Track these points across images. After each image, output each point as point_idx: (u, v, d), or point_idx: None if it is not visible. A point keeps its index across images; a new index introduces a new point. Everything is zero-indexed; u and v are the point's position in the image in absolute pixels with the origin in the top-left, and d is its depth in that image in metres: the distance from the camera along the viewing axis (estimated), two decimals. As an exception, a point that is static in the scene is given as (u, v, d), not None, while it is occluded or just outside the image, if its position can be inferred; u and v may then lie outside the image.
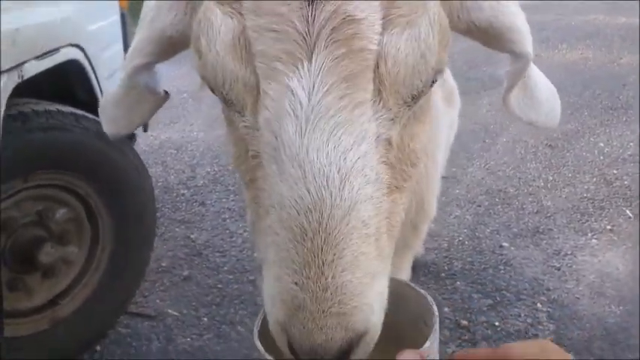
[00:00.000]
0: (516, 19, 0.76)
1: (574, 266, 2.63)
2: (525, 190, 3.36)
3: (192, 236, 2.94)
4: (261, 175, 0.62)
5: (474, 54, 5.34)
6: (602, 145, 3.95)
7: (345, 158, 0.56)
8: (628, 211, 3.09)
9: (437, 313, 0.64)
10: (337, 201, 0.55)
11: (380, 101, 0.59)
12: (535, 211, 3.13)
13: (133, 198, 2.11)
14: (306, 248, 0.55)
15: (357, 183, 0.56)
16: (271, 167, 0.59)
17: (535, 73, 0.91)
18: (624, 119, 4.41)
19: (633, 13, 8.30)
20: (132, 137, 2.61)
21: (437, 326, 0.62)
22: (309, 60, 0.56)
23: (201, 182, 3.54)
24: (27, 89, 1.74)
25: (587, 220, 3.02)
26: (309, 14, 0.56)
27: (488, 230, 2.95)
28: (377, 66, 0.58)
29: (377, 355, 0.61)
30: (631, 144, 3.94)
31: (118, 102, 0.90)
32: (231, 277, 2.60)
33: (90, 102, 1.99)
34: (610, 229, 2.93)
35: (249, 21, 0.58)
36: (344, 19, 0.56)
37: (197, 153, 3.97)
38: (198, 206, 3.26)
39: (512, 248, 2.79)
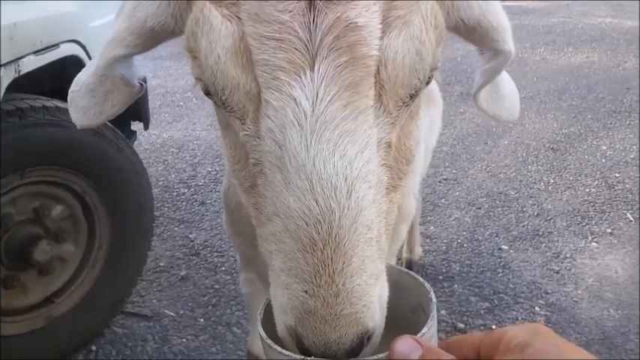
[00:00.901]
0: (502, 19, 0.77)
1: (573, 270, 2.61)
2: (526, 193, 3.35)
3: (191, 236, 2.94)
4: (263, 182, 0.62)
5: (478, 57, 5.31)
6: (604, 148, 3.93)
7: (351, 167, 0.56)
8: (629, 215, 3.07)
9: (435, 300, 0.65)
10: (345, 210, 0.56)
11: (380, 106, 0.59)
12: (535, 213, 3.12)
13: (131, 196, 2.10)
14: (316, 258, 0.56)
15: (362, 190, 0.57)
16: (275, 176, 0.58)
17: None
18: (627, 123, 4.38)
19: (639, 17, 8.28)
20: (132, 135, 2.62)
21: (435, 313, 0.63)
22: (312, 68, 0.56)
23: (202, 181, 3.54)
24: (26, 85, 1.75)
25: (588, 224, 3.00)
26: (311, 21, 0.56)
27: (488, 233, 2.94)
28: (377, 71, 0.58)
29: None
30: (634, 147, 3.92)
31: (89, 92, 0.87)
32: (228, 277, 2.59)
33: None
34: (610, 233, 2.91)
35: (248, 27, 0.57)
36: (346, 26, 0.56)
37: (199, 152, 3.98)
38: (198, 206, 3.26)
39: (512, 251, 2.78)
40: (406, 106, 0.62)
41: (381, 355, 0.56)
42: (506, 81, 0.99)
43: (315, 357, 0.58)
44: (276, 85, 0.57)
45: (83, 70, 0.93)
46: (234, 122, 0.62)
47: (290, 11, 0.56)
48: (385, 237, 0.64)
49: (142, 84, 0.86)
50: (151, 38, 0.76)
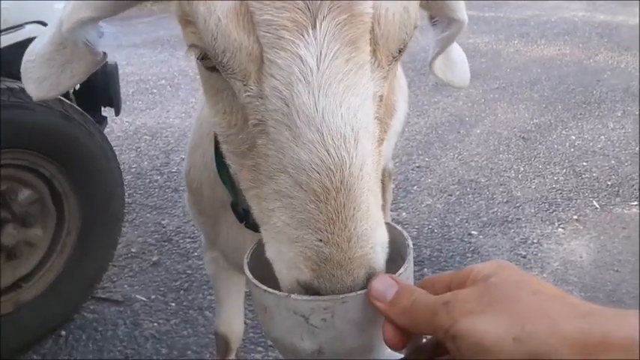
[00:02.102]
0: None
1: (539, 254, 2.68)
2: (496, 181, 3.41)
3: (163, 222, 2.93)
4: (264, 142, 0.63)
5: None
6: (573, 138, 4.02)
7: (355, 118, 0.59)
8: (595, 202, 3.16)
9: (412, 246, 0.69)
10: (354, 159, 0.59)
11: (375, 61, 0.62)
12: (505, 200, 3.18)
13: (101, 181, 2.09)
14: (330, 206, 0.59)
15: (365, 139, 0.60)
16: (283, 134, 0.60)
17: None
18: (597, 114, 4.48)
19: (611, 11, 8.43)
20: (103, 121, 2.59)
21: (411, 257, 0.66)
22: (314, 27, 0.58)
23: (175, 169, 3.52)
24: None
25: (555, 210, 3.08)
26: None
27: (458, 219, 2.99)
28: (372, 28, 0.61)
29: None
30: (602, 137, 4.01)
31: (45, 62, 0.84)
32: (200, 262, 2.59)
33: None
34: (576, 219, 2.99)
35: None
36: None
37: (172, 139, 3.95)
38: (171, 192, 3.24)
39: (481, 237, 2.83)
40: (395, 60, 0.66)
41: (360, 292, 0.59)
42: (456, 50, 1.08)
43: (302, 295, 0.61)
44: (280, 44, 0.58)
45: (37, 39, 0.89)
46: (235, 84, 0.63)
47: None
48: (377, 188, 0.67)
49: (104, 52, 0.84)
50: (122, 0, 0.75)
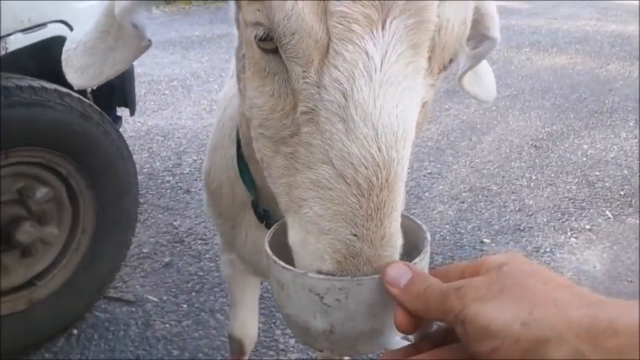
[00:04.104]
0: (493, 9, 0.83)
1: (552, 264, 2.66)
2: (508, 189, 3.40)
3: (175, 223, 2.93)
4: (310, 130, 0.64)
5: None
6: (585, 147, 4.00)
7: (407, 120, 0.61)
8: (608, 212, 3.14)
9: (429, 239, 0.70)
10: (401, 160, 0.61)
11: (429, 68, 0.64)
12: (517, 209, 3.17)
13: (116, 180, 2.09)
14: (372, 202, 0.60)
15: (409, 142, 0.62)
16: (335, 125, 0.61)
17: None
18: (608, 123, 4.46)
19: (623, 21, 8.41)
20: (118, 120, 2.60)
21: (428, 249, 0.68)
22: (384, 26, 0.59)
23: (187, 170, 3.53)
24: (11, 64, 1.73)
25: (568, 220, 3.06)
26: None
27: (470, 226, 2.98)
28: (432, 36, 0.62)
29: None
30: (614, 147, 3.99)
31: (88, 49, 0.84)
32: (212, 264, 2.60)
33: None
34: (589, 229, 2.97)
35: None
36: None
37: (184, 141, 3.96)
38: (183, 194, 3.25)
39: (493, 245, 2.82)
40: (445, 70, 0.67)
41: (375, 276, 0.60)
42: (483, 64, 1.10)
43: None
44: (349, 37, 0.59)
45: (77, 28, 0.89)
46: (294, 68, 0.63)
47: None
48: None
49: (150, 39, 0.84)
50: None
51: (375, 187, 0.59)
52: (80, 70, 0.86)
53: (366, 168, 0.59)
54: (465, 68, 0.94)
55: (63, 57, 0.87)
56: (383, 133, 0.59)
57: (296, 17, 0.60)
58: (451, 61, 0.66)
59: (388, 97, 0.59)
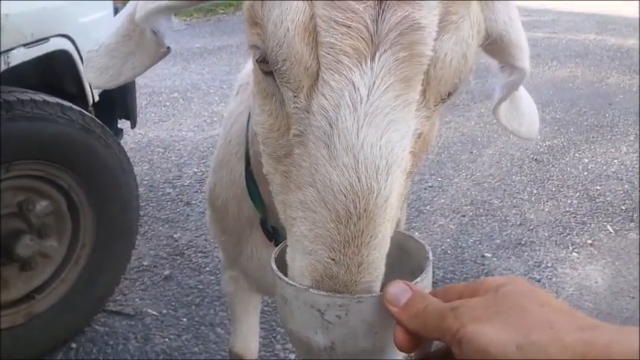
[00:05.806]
0: (522, 38, 0.81)
1: (554, 279, 2.65)
2: (509, 202, 3.39)
3: (175, 236, 2.93)
4: (301, 153, 0.65)
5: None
6: (586, 161, 4.00)
7: (392, 152, 0.61)
8: (609, 227, 3.13)
9: (432, 258, 0.71)
10: (382, 190, 0.60)
11: (423, 100, 0.64)
12: (518, 223, 3.16)
13: (117, 194, 2.09)
14: (349, 230, 0.60)
15: (396, 174, 0.62)
16: (320, 151, 0.62)
17: (521, 87, 0.97)
18: (609, 137, 4.47)
19: (622, 34, 8.46)
20: (119, 133, 2.60)
21: (429, 269, 0.69)
22: (373, 59, 0.59)
23: (188, 182, 3.53)
24: (13, 78, 1.73)
25: (569, 234, 3.05)
26: (379, 16, 0.59)
27: (471, 240, 2.97)
28: (427, 69, 0.62)
29: None
30: (615, 161, 4.00)
31: (109, 52, 0.86)
32: (212, 278, 2.58)
33: (77, 94, 1.98)
34: (591, 244, 2.96)
35: (320, 10, 0.60)
36: (411, 25, 0.59)
37: (184, 153, 3.96)
38: (183, 206, 3.24)
39: (494, 259, 2.81)
40: (443, 102, 0.67)
41: (375, 294, 0.62)
42: (526, 101, 1.05)
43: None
44: (337, 67, 0.60)
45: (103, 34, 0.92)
46: (286, 93, 0.65)
47: (364, 3, 0.59)
48: (397, 216, 0.69)
49: (169, 47, 0.85)
50: None
51: (352, 216, 0.60)
52: (99, 71, 0.88)
53: (345, 196, 0.60)
54: (499, 98, 0.91)
55: (85, 57, 0.90)
56: (364, 163, 0.59)
57: (287, 45, 0.61)
58: (450, 94, 0.66)
59: (372, 128, 0.60)
